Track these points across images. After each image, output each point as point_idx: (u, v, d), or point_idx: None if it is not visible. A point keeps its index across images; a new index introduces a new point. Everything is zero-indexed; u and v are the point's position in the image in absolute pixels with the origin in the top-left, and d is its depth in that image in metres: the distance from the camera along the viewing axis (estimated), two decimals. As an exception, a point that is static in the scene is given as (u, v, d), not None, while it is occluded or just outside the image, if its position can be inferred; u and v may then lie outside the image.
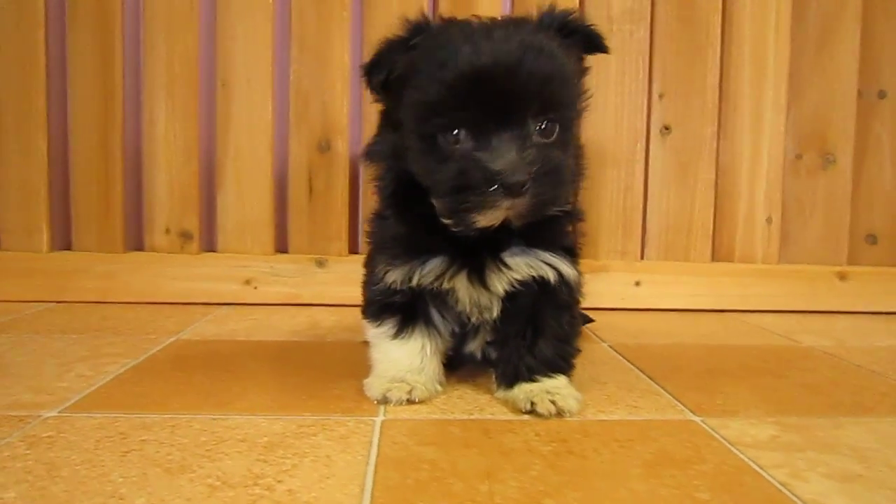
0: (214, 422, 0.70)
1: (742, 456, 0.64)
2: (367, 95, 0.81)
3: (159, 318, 1.25)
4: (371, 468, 0.59)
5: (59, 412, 0.73)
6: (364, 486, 0.56)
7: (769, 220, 1.49)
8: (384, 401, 0.77)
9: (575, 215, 0.83)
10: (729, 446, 0.67)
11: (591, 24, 0.77)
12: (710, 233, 1.49)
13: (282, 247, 1.48)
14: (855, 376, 0.96)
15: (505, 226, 0.72)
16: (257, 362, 0.95)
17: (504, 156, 0.66)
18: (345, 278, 1.43)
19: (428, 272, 0.77)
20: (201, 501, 0.52)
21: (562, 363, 0.80)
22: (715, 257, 1.50)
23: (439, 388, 0.82)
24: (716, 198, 1.49)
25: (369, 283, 0.84)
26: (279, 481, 0.56)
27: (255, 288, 1.42)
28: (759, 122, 1.48)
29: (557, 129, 0.70)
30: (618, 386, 0.87)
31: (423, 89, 0.68)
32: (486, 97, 0.66)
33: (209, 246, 1.48)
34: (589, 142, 1.40)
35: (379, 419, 0.72)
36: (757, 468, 0.62)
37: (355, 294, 1.45)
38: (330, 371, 0.92)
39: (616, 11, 1.44)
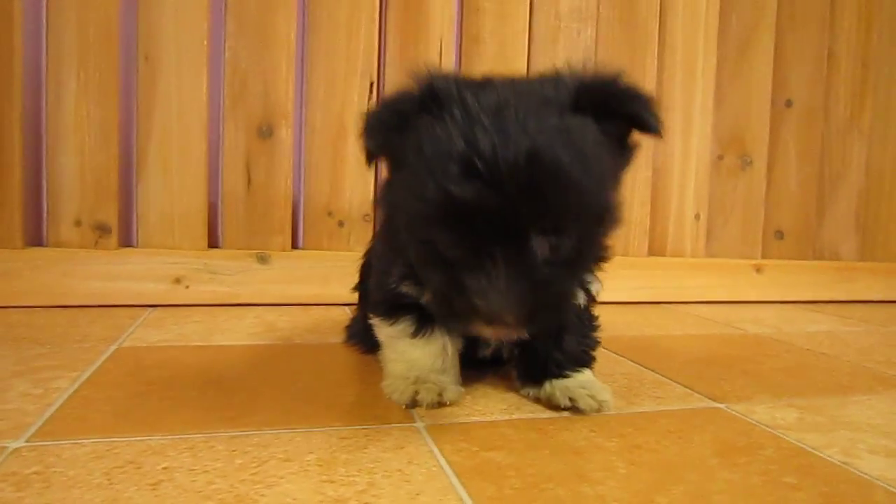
0: (237, 440, 0.60)
1: (789, 439, 0.66)
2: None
3: (80, 324, 1.07)
4: (455, 479, 0.54)
5: (28, 441, 0.59)
6: (463, 500, 0.50)
7: (697, 217, 1.59)
8: (413, 404, 0.71)
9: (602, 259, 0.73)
10: (771, 430, 0.69)
11: (642, 98, 0.61)
12: (647, 228, 1.55)
13: (214, 242, 1.34)
14: (815, 360, 1.04)
15: None
16: (237, 370, 0.84)
17: (492, 286, 0.54)
18: (290, 276, 1.32)
19: None
20: (293, 535, 0.44)
21: (587, 357, 0.78)
22: (650, 252, 1.57)
23: (462, 389, 0.76)
24: (651, 196, 1.56)
25: (381, 282, 0.76)
26: (367, 503, 0.49)
27: (187, 287, 1.27)
28: (689, 124, 1.57)
29: (572, 245, 0.58)
30: (627, 378, 0.87)
31: (411, 194, 0.57)
32: (481, 215, 0.53)
33: (127, 240, 1.30)
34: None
35: (420, 425, 0.66)
36: (811, 449, 0.64)
37: (303, 293, 1.36)
38: (327, 375, 0.83)
39: (564, 9, 1.46)
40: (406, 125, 0.59)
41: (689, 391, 0.82)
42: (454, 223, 0.55)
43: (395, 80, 1.38)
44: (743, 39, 1.60)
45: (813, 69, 1.65)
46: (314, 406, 0.71)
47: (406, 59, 1.38)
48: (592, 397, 0.72)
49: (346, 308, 1.29)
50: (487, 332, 0.60)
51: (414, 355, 0.74)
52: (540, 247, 0.56)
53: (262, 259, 1.31)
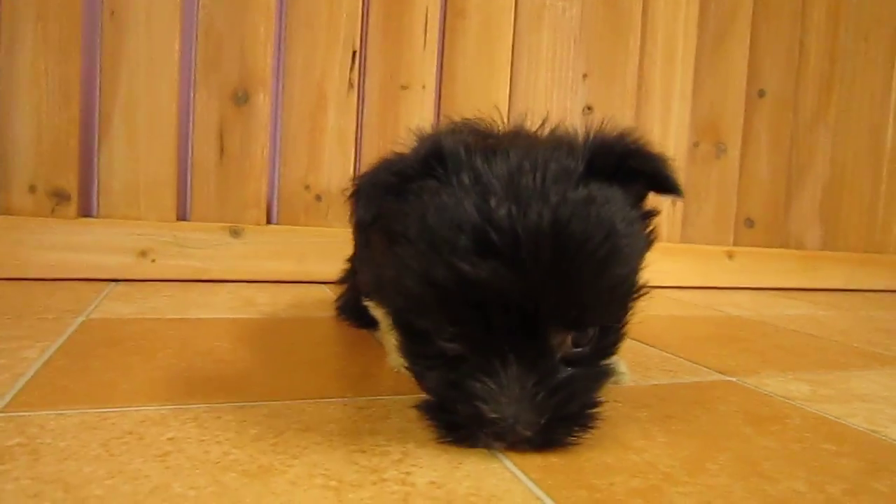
0: (244, 410, 0.55)
1: (812, 410, 0.66)
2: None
3: (38, 296, 0.98)
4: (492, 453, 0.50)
5: (2, 412, 0.52)
6: (512, 472, 0.46)
7: (674, 202, 1.60)
8: None
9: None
10: (791, 402, 0.68)
11: (659, 156, 0.53)
12: (626, 212, 1.55)
13: (182, 215, 1.25)
14: (804, 339, 1.05)
15: None
16: (225, 342, 0.78)
17: (506, 396, 0.46)
18: (264, 251, 1.25)
19: None
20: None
21: None
22: (627, 236, 1.56)
23: None
24: (630, 179, 1.55)
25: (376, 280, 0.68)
26: (407, 473, 0.45)
27: (153, 261, 1.19)
28: (667, 110, 1.57)
29: (597, 335, 0.51)
30: (632, 353, 0.85)
31: (410, 274, 0.47)
32: (496, 300, 0.44)
33: (87, 210, 1.20)
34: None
35: (438, 396, 0.62)
36: (834, 419, 0.63)
37: (278, 269, 1.29)
38: (325, 348, 0.78)
39: (551, -14, 1.43)
40: (407, 190, 0.49)
41: (697, 366, 0.81)
42: (460, 310, 0.46)
43: (378, 51, 1.33)
44: (721, 27, 1.61)
45: (785, 61, 1.69)
46: (320, 377, 0.66)
47: (390, 30, 1.33)
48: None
49: (326, 287, 1.23)
50: (497, 447, 0.49)
51: None
52: (558, 343, 0.48)
53: (235, 233, 1.23)
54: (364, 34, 1.32)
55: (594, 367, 0.52)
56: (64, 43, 1.13)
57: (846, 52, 1.74)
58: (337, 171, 1.31)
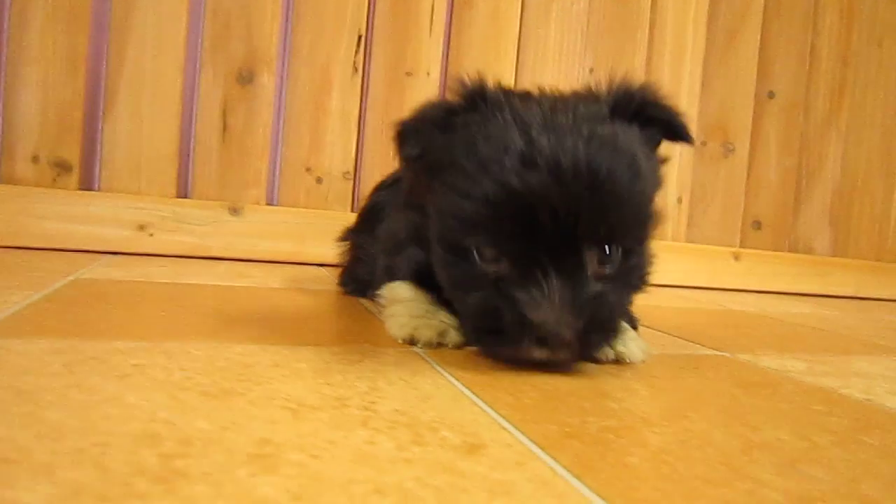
0: (218, 349, 0.54)
1: (806, 381, 0.63)
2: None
3: (34, 261, 0.98)
4: (466, 390, 0.48)
5: (-28, 339, 0.51)
6: (481, 407, 0.45)
7: (680, 201, 1.58)
8: (410, 341, 0.62)
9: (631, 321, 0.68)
10: (784, 373, 0.65)
11: (672, 107, 0.61)
12: (631, 209, 1.53)
13: (183, 192, 1.26)
14: (806, 331, 1.02)
15: None
16: (210, 301, 0.77)
17: (549, 303, 0.51)
18: (263, 230, 1.25)
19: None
20: (292, 423, 0.38)
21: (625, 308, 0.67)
22: (632, 233, 1.54)
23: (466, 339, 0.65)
24: (636, 176, 1.54)
25: (390, 275, 0.70)
26: (373, 402, 0.43)
27: (151, 235, 1.19)
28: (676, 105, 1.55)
29: (621, 255, 0.55)
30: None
31: (458, 193, 0.53)
32: (537, 226, 0.51)
33: (89, 182, 1.21)
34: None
35: (421, 350, 0.61)
36: (829, 388, 0.61)
37: (277, 249, 1.28)
38: (312, 310, 0.77)
39: (559, -21, 1.43)
40: (453, 124, 0.57)
41: (690, 343, 0.79)
42: (506, 224, 0.51)
43: (384, 36, 1.33)
44: (731, 27, 1.60)
45: (796, 63, 1.67)
46: (300, 330, 0.65)
47: (397, 17, 1.33)
48: (612, 348, 0.61)
49: (325, 270, 1.22)
50: (538, 356, 0.53)
51: (413, 294, 0.67)
52: (590, 262, 0.54)
53: (235, 211, 1.23)
54: (370, 19, 1.33)
55: (621, 286, 0.56)
56: (73, 15, 1.14)
57: (859, 57, 1.72)
58: (338, 154, 1.31)
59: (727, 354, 0.73)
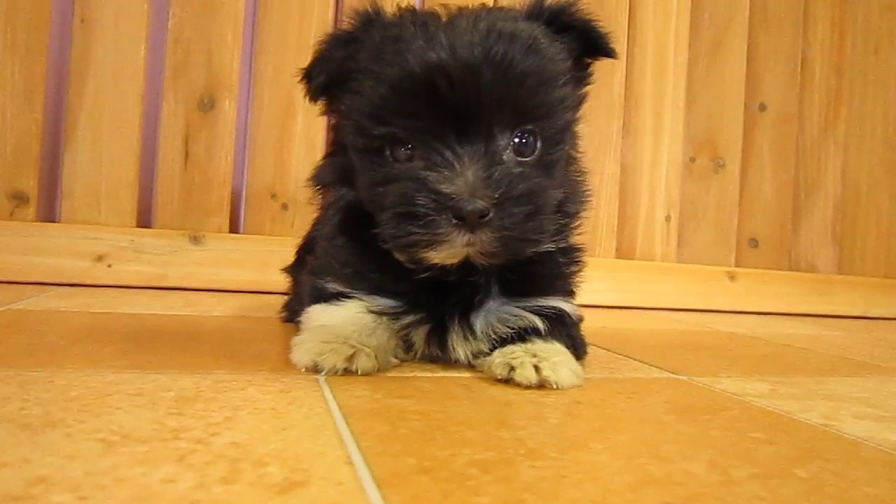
0: (87, 378, 0.49)
1: (760, 404, 0.56)
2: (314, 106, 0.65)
3: (-25, 294, 0.95)
4: (340, 419, 0.43)
5: None
6: (342, 437, 0.39)
7: (668, 219, 1.51)
8: (314, 368, 0.55)
9: (572, 253, 0.63)
10: (738, 397, 0.59)
11: (594, 20, 0.61)
12: (615, 229, 1.47)
13: (145, 221, 1.23)
14: (792, 351, 0.94)
15: (476, 268, 0.55)
16: (126, 331, 0.73)
17: (459, 176, 0.50)
18: (225, 259, 1.21)
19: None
20: (94, 459, 0.33)
21: (562, 329, 0.61)
22: (618, 254, 1.48)
23: (394, 360, 0.60)
24: (619, 194, 1.48)
25: (315, 296, 0.64)
26: (213, 434, 0.38)
27: (109, 266, 1.15)
28: (659, 121, 1.50)
29: (539, 145, 0.55)
30: (580, 353, 0.77)
31: (365, 93, 0.53)
32: (440, 102, 0.51)
33: (49, 214, 1.19)
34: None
35: (322, 377, 0.55)
36: (784, 413, 0.54)
37: (238, 278, 1.24)
38: (238, 336, 0.72)
39: (532, -4, 1.40)
40: (354, 38, 0.58)
41: (646, 365, 0.72)
42: (413, 107, 0.51)
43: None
44: (715, 38, 1.55)
45: (786, 74, 1.61)
46: (198, 356, 0.60)
47: (363, 38, 1.31)
48: (537, 368, 0.55)
49: (282, 297, 1.18)
50: (453, 253, 0.52)
51: (336, 313, 0.60)
52: (505, 145, 0.53)
53: (195, 240, 1.20)
54: (337, 42, 1.30)
55: (542, 171, 0.55)
56: (31, 47, 1.13)
57: (855, 66, 1.66)
58: (304, 178, 1.27)
59: (683, 377, 0.66)
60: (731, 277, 1.53)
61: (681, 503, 0.32)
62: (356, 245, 0.60)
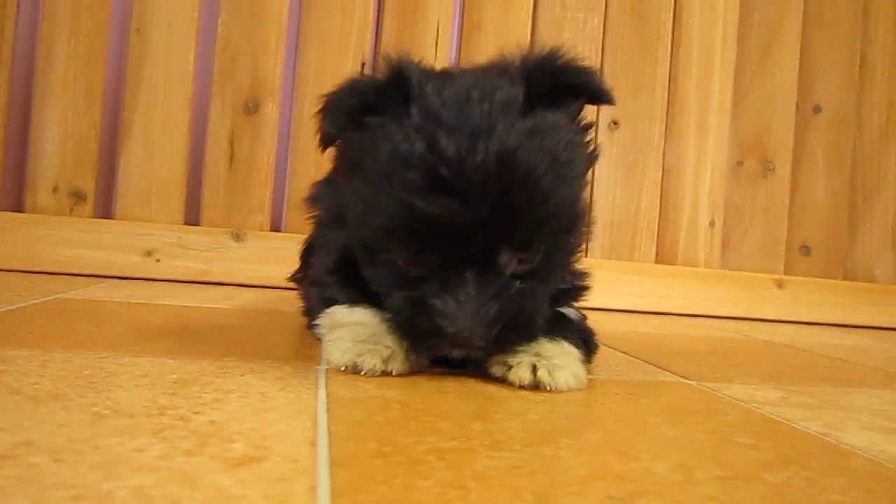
0: (103, 360, 0.53)
1: (762, 411, 0.55)
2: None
3: (37, 282, 1.03)
4: (323, 405, 0.45)
5: None
6: (317, 421, 0.41)
7: (712, 224, 1.47)
8: (354, 368, 0.55)
9: (578, 291, 0.65)
10: (742, 403, 0.57)
11: (587, 72, 0.58)
12: (655, 233, 1.44)
13: (193, 219, 1.29)
14: (827, 361, 0.90)
15: None
16: (160, 318, 0.77)
17: (459, 306, 0.50)
18: (265, 256, 1.26)
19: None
20: (81, 428, 0.36)
21: (567, 324, 0.61)
22: (658, 259, 1.45)
23: (425, 362, 0.58)
24: (661, 198, 1.45)
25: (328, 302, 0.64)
26: (196, 412, 0.40)
27: (158, 261, 1.22)
28: (704, 124, 1.46)
29: (542, 253, 0.53)
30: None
31: (366, 205, 0.52)
32: (449, 231, 0.49)
33: (105, 211, 1.27)
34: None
35: (323, 367, 0.57)
36: (784, 420, 0.52)
37: (278, 274, 1.28)
38: (255, 329, 0.76)
39: (571, -2, 1.40)
40: (365, 124, 0.54)
41: (658, 369, 0.71)
42: (418, 239, 0.51)
43: (390, 63, 1.33)
44: (766, 38, 1.50)
45: (843, 74, 1.54)
46: (213, 344, 0.63)
47: (401, 42, 1.34)
48: (535, 368, 0.54)
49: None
50: (455, 355, 0.53)
51: (361, 317, 0.59)
52: (508, 262, 0.52)
53: (237, 237, 1.25)
54: (376, 45, 1.34)
55: (540, 286, 0.54)
56: (93, 53, 1.22)
57: (920, 65, 1.57)
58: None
59: (692, 382, 0.65)
60: (780, 285, 1.47)
61: (626, 497, 0.32)
62: (351, 285, 0.61)
